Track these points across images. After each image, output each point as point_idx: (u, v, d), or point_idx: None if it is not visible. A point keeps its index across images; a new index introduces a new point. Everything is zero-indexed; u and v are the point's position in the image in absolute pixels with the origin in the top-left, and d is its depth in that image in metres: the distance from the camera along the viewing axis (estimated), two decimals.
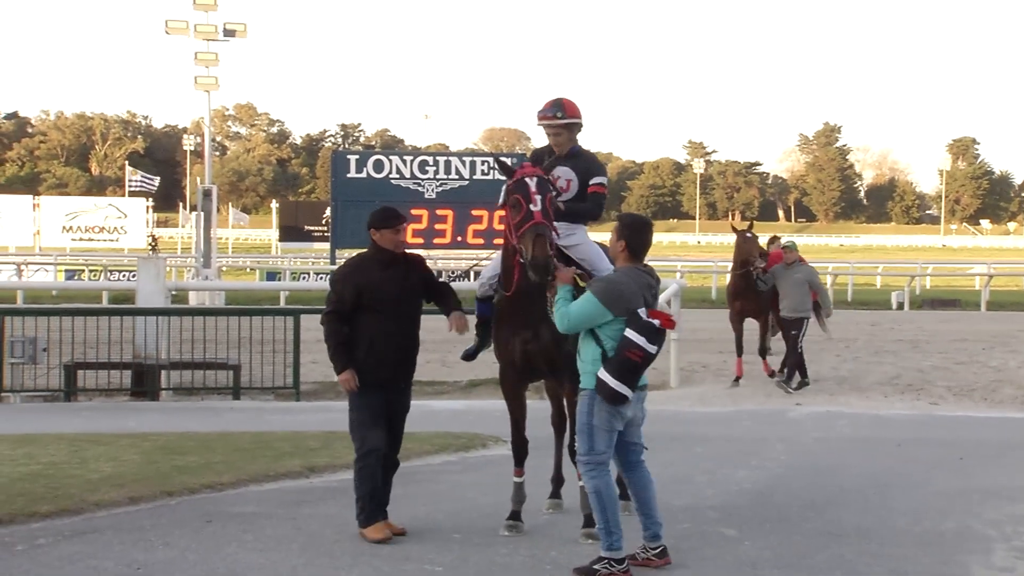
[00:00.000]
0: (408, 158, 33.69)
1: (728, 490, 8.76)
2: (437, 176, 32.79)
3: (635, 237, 6.54)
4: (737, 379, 15.84)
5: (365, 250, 7.30)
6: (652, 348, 6.30)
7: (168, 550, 6.71)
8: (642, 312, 6.34)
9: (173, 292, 29.50)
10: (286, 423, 11.96)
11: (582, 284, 6.74)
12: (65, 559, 6.53)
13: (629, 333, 6.28)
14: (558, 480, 8.13)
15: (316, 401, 14.23)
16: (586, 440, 6.37)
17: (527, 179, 6.91)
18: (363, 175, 32.63)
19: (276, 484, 8.72)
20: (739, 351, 16.14)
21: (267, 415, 12.86)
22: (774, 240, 17.28)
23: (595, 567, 6.29)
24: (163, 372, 14.21)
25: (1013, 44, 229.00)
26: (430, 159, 33.84)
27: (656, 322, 6.31)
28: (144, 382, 14.03)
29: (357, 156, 34.84)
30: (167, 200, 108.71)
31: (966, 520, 7.97)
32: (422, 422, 12.10)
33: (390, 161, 33.38)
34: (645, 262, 6.75)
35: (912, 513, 8.16)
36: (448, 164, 33.34)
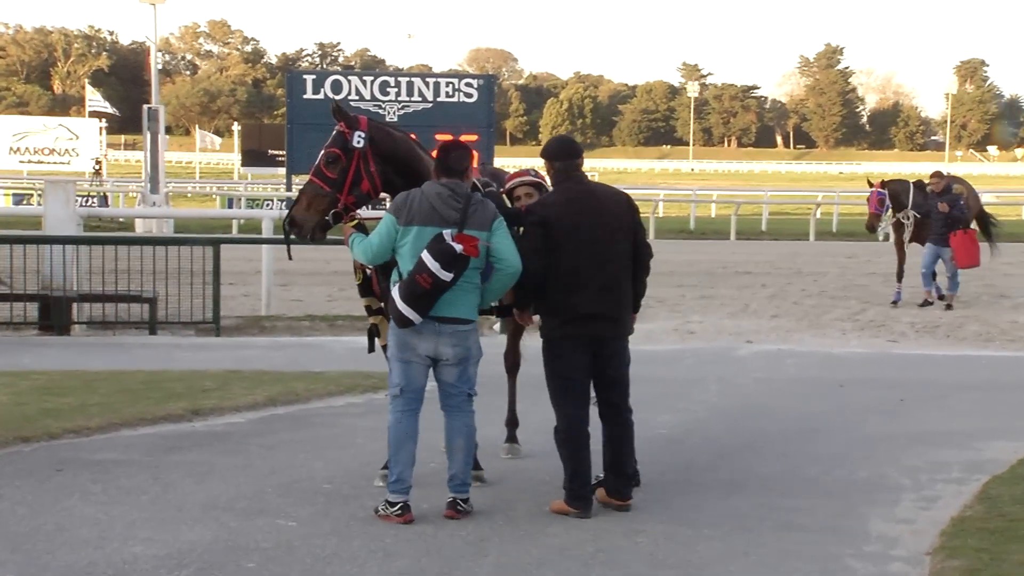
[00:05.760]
0: (368, 79, 32.83)
1: (641, 437, 8.40)
2: (399, 98, 32.07)
3: (439, 156, 6.46)
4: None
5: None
6: (445, 275, 6.08)
7: None
8: (447, 234, 6.13)
9: (121, 220, 29.03)
10: (196, 361, 11.67)
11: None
12: None
13: (424, 255, 6.11)
14: (512, 422, 7.99)
15: (237, 337, 13.96)
16: (389, 370, 6.44)
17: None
18: (320, 96, 31.89)
19: (153, 428, 8.45)
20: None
21: (179, 352, 12.56)
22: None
23: (378, 506, 6.36)
24: (73, 305, 13.89)
25: None
26: (391, 80, 33.02)
27: (458, 247, 6.08)
28: (51, 315, 13.72)
29: (314, 76, 33.76)
30: (134, 122, 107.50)
31: (883, 468, 7.79)
32: (339, 361, 11.88)
33: (349, 82, 32.53)
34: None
35: (829, 460, 7.98)
36: (411, 85, 32.52)
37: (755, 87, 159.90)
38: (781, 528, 6.37)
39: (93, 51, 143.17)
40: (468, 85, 34.62)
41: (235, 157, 71.45)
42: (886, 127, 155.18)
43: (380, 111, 32.16)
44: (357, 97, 32.33)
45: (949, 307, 16.85)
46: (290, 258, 7.28)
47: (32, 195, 41.25)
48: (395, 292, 6.22)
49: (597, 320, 6.53)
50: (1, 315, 13.82)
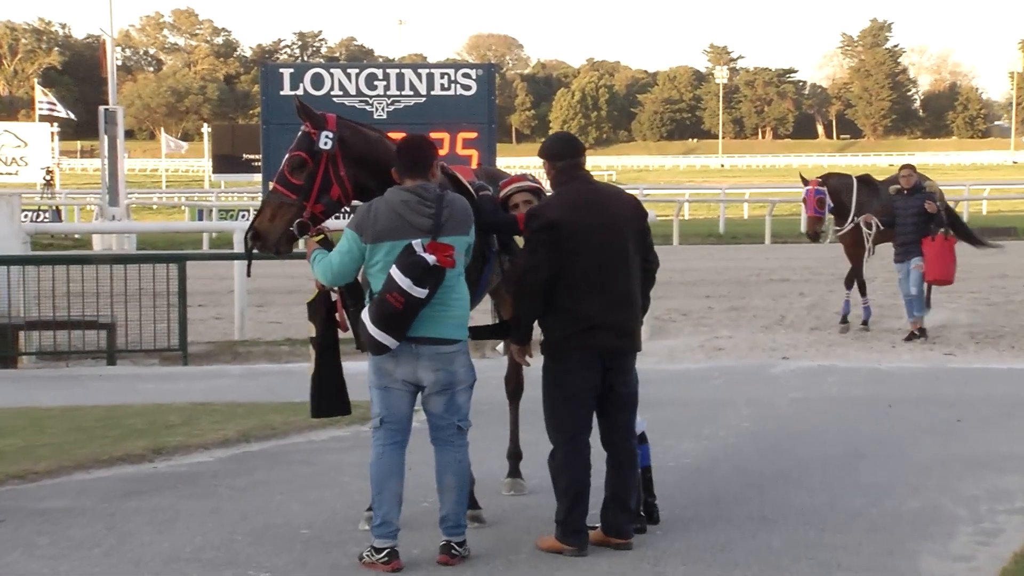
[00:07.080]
0: (352, 71, 32.35)
1: (662, 467, 8.47)
2: (388, 92, 32.01)
3: (399, 156, 6.46)
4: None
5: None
6: (418, 292, 6.08)
7: None
8: (418, 244, 6.13)
9: (77, 236, 29.08)
10: (160, 393, 11.77)
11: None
12: None
13: (393, 270, 6.12)
14: (515, 454, 8.02)
15: (207, 365, 14.02)
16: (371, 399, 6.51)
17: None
18: (299, 93, 31.97)
19: (108, 471, 8.51)
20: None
21: (141, 383, 12.66)
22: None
23: (363, 553, 6.37)
24: (20, 333, 13.95)
25: None
26: (379, 72, 32.69)
27: (431, 258, 6.09)
28: None
29: (292, 70, 33.43)
30: (92, 126, 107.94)
31: (937, 497, 7.80)
32: None
33: (331, 75, 32.31)
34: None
35: (876, 490, 7.99)
36: (400, 78, 32.32)
37: (792, 71, 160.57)
38: (820, 567, 6.37)
39: (43, 47, 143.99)
40: (466, 76, 34.49)
41: (205, 163, 71.74)
42: (942, 112, 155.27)
43: (367, 107, 32.24)
44: (341, 92, 32.25)
45: (922, 332, 15.07)
46: (248, 274, 7.31)
47: None
48: (366, 315, 6.22)
49: (609, 331, 6.58)
50: None
